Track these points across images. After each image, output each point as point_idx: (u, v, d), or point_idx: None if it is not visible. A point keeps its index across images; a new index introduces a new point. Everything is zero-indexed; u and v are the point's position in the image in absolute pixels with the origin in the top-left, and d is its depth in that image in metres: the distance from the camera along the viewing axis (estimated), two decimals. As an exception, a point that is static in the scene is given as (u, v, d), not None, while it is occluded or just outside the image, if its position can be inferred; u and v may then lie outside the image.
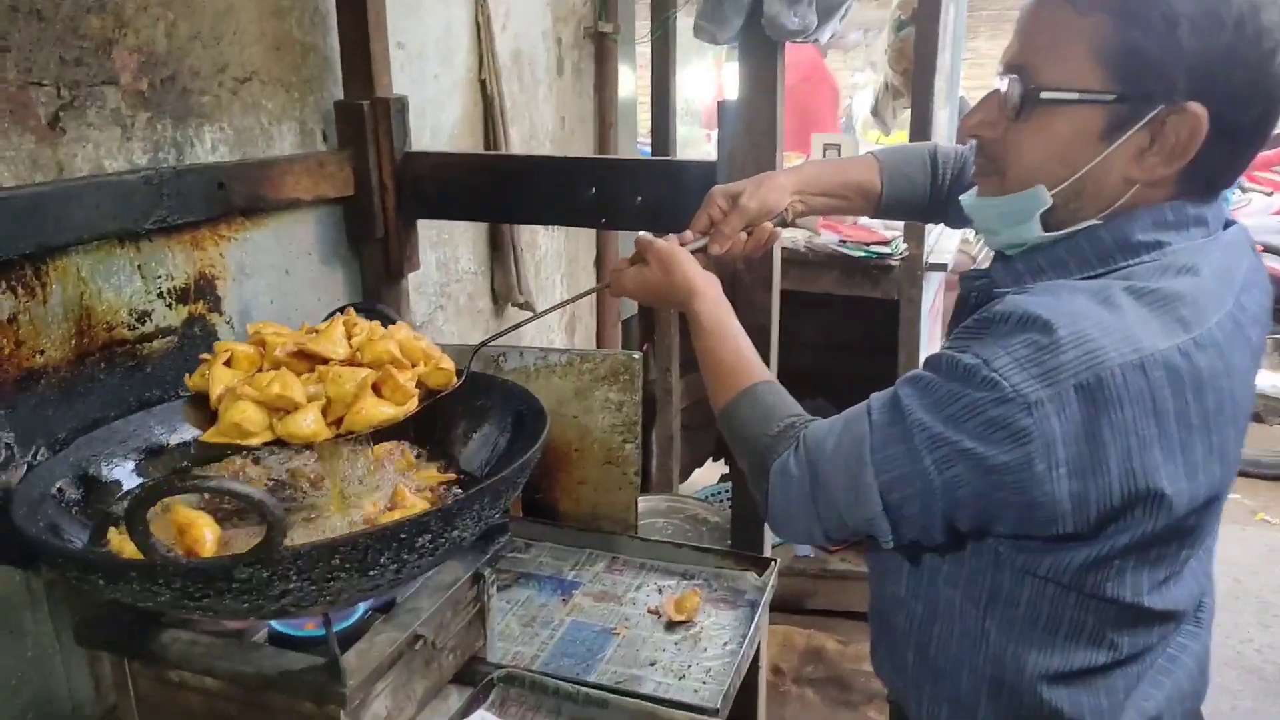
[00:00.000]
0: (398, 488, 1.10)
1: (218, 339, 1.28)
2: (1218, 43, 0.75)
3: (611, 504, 1.55)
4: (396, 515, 1.00)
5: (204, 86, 1.25)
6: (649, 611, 1.36)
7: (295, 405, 0.95)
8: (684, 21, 2.54)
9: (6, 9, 0.99)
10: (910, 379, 0.85)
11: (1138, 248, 0.83)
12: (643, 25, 2.65)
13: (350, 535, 0.82)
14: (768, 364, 1.46)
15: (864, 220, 2.87)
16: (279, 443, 0.95)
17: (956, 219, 1.20)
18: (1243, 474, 3.48)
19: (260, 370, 1.01)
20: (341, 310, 1.15)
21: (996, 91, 0.88)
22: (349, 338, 1.06)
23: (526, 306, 2.03)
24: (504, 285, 2.00)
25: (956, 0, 2.75)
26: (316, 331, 1.06)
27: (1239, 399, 0.83)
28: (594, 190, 1.46)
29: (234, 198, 1.26)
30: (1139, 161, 0.82)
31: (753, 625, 1.31)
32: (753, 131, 1.34)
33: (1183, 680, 0.92)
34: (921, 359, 2.65)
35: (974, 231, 1.04)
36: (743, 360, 1.04)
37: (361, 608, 1.07)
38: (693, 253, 1.14)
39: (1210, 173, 0.83)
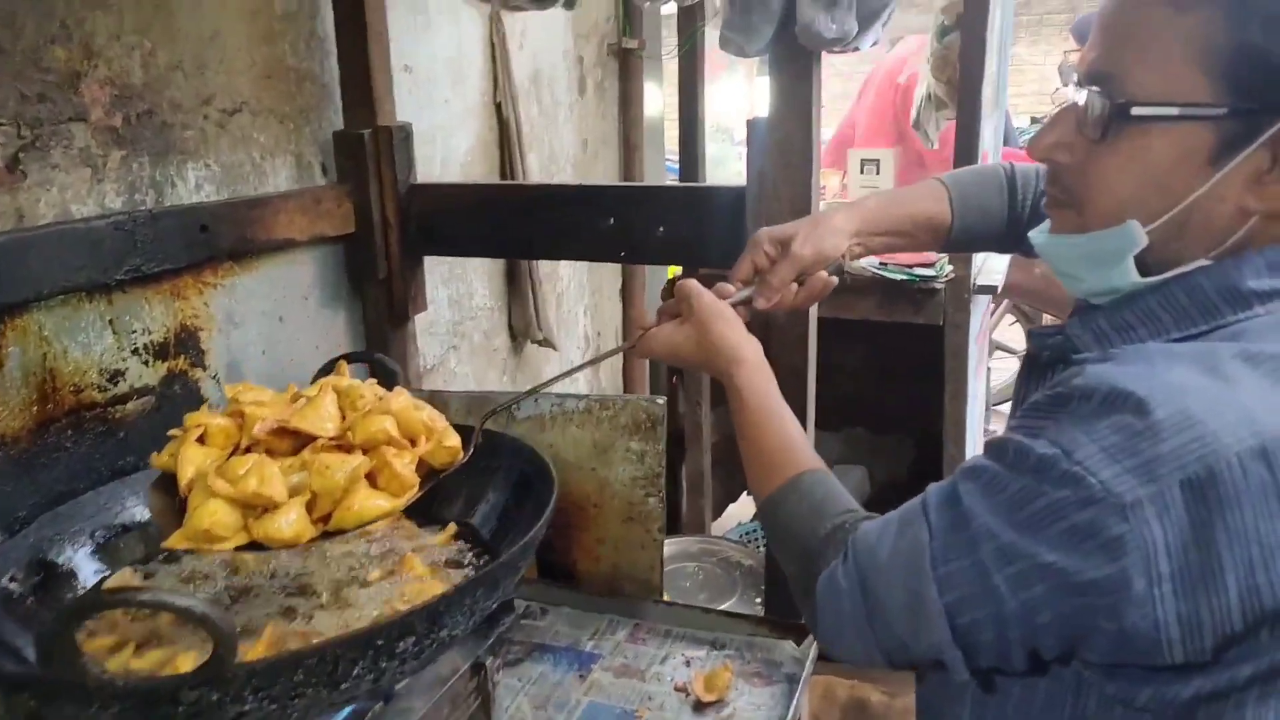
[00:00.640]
0: (406, 557, 0.99)
1: (202, 396, 1.17)
2: None
3: (634, 564, 1.42)
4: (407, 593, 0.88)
5: (186, 120, 1.15)
6: (675, 689, 1.23)
7: (274, 504, 0.83)
8: (712, 35, 2.42)
9: (-47, 43, 0.90)
10: (972, 471, 0.71)
11: (1249, 298, 0.68)
12: (670, 39, 2.54)
13: (315, 646, 0.70)
14: (804, 405, 1.33)
15: (906, 240, 2.72)
16: (255, 545, 0.84)
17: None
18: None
19: (238, 448, 0.90)
20: (330, 367, 1.04)
21: (1073, 106, 0.73)
22: (344, 406, 0.95)
23: (546, 343, 1.91)
24: (522, 321, 1.89)
25: (1003, 4, 2.60)
26: (305, 399, 0.95)
27: None
28: (612, 220, 1.34)
29: (219, 240, 1.15)
30: (1258, 188, 0.68)
31: (792, 706, 1.17)
32: (786, 152, 1.21)
33: None
34: (970, 388, 2.48)
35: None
36: (789, 444, 0.91)
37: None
38: (734, 307, 1.02)
39: None
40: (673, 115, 2.54)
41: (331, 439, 0.89)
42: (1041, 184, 1.05)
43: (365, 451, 0.89)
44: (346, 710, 0.94)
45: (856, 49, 1.16)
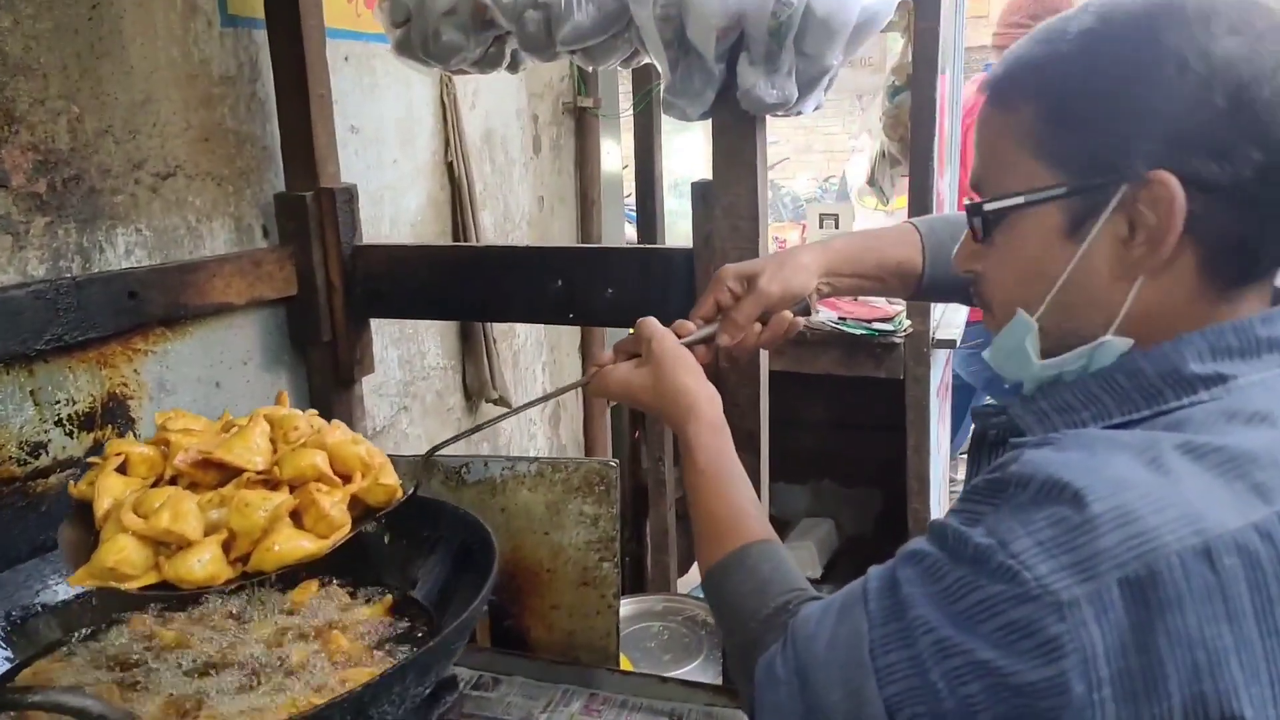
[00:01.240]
0: (333, 635, 0.94)
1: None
2: (1158, 92, 0.63)
3: (589, 630, 1.38)
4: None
5: (116, 185, 1.13)
6: (630, 766, 1.18)
7: (187, 542, 0.78)
8: (668, 94, 2.45)
9: None
10: (912, 555, 0.67)
11: (1193, 382, 0.66)
12: (627, 97, 2.56)
13: (221, 749, 0.66)
14: (758, 468, 1.30)
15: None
16: (166, 585, 0.79)
17: None
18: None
19: (161, 478, 0.86)
20: None
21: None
22: (276, 438, 0.91)
23: (501, 402, 1.88)
24: (476, 381, 1.86)
25: (953, 63, 2.66)
26: (238, 428, 0.90)
27: None
28: (560, 282, 1.32)
29: (149, 307, 1.12)
30: (1124, 255, 0.67)
31: (750, 781, 1.13)
32: (732, 215, 1.20)
33: None
34: (932, 439, 2.48)
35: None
36: (738, 512, 0.87)
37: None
38: (693, 345, 0.99)
39: (1240, 253, 0.66)
40: (634, 171, 2.55)
41: (259, 473, 0.85)
42: None
43: (293, 488, 0.85)
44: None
45: (799, 113, 1.16)
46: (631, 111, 2.41)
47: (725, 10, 1.03)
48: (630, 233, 2.87)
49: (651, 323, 0.98)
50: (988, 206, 0.72)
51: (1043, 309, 0.72)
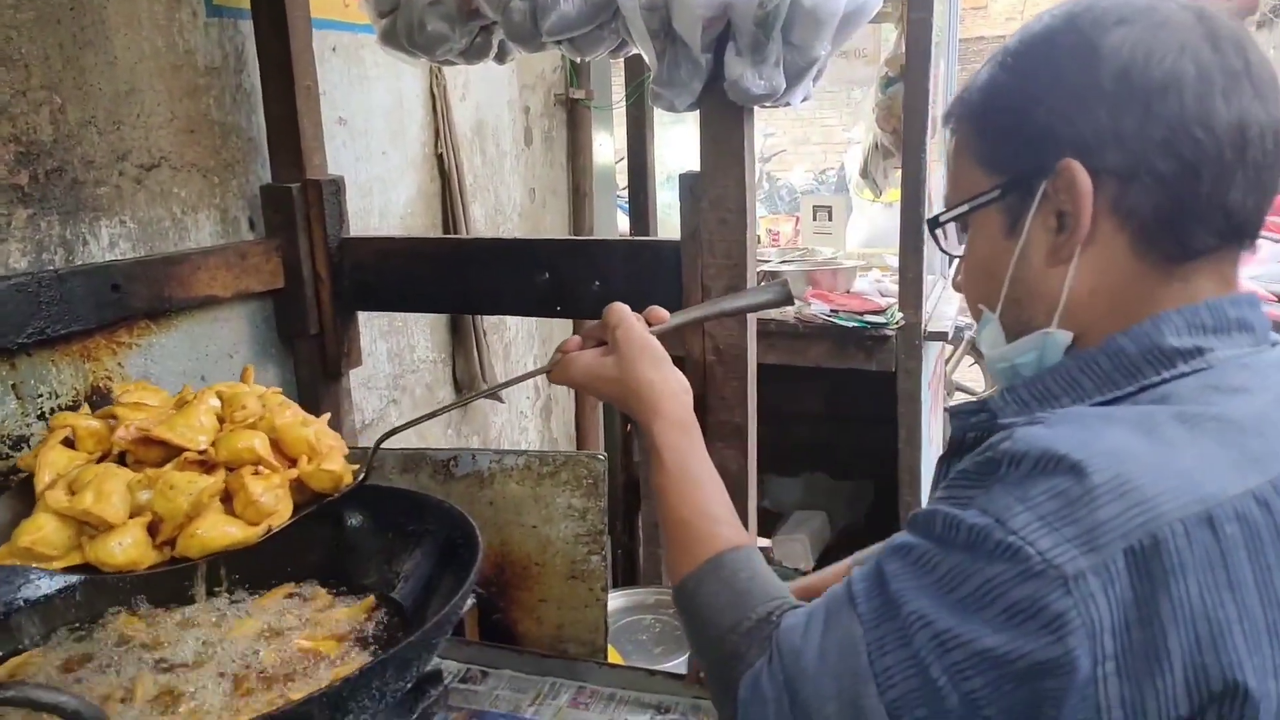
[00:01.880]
0: (313, 634, 0.93)
1: (113, 461, 1.12)
2: (1056, 88, 0.69)
3: (577, 624, 1.38)
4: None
5: (100, 177, 1.12)
6: (617, 759, 1.18)
7: (108, 525, 0.76)
8: (661, 85, 2.43)
9: None
10: (898, 549, 0.65)
11: (1173, 356, 0.66)
12: (620, 88, 2.55)
13: (197, 745, 0.65)
14: (745, 468, 1.30)
15: (857, 286, 2.73)
16: (88, 568, 0.77)
17: None
18: None
19: (109, 454, 0.83)
20: None
21: None
22: (226, 415, 0.88)
23: (493, 396, 1.87)
24: (467, 373, 1.85)
25: (946, 55, 2.65)
26: (187, 404, 0.88)
27: None
28: (548, 275, 1.32)
29: (132, 300, 1.11)
30: (1054, 244, 0.71)
31: (737, 774, 1.13)
32: (719, 207, 1.20)
33: None
34: (924, 432, 2.48)
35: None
36: (710, 518, 0.81)
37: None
38: (666, 336, 0.93)
39: (1168, 225, 0.68)
40: (626, 163, 2.54)
41: (200, 453, 0.82)
42: None
43: (230, 470, 0.82)
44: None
45: (788, 104, 1.15)
46: (624, 103, 2.40)
47: (711, 0, 1.02)
48: (624, 225, 2.87)
49: (619, 308, 0.92)
50: (943, 217, 0.79)
51: (1000, 306, 0.76)
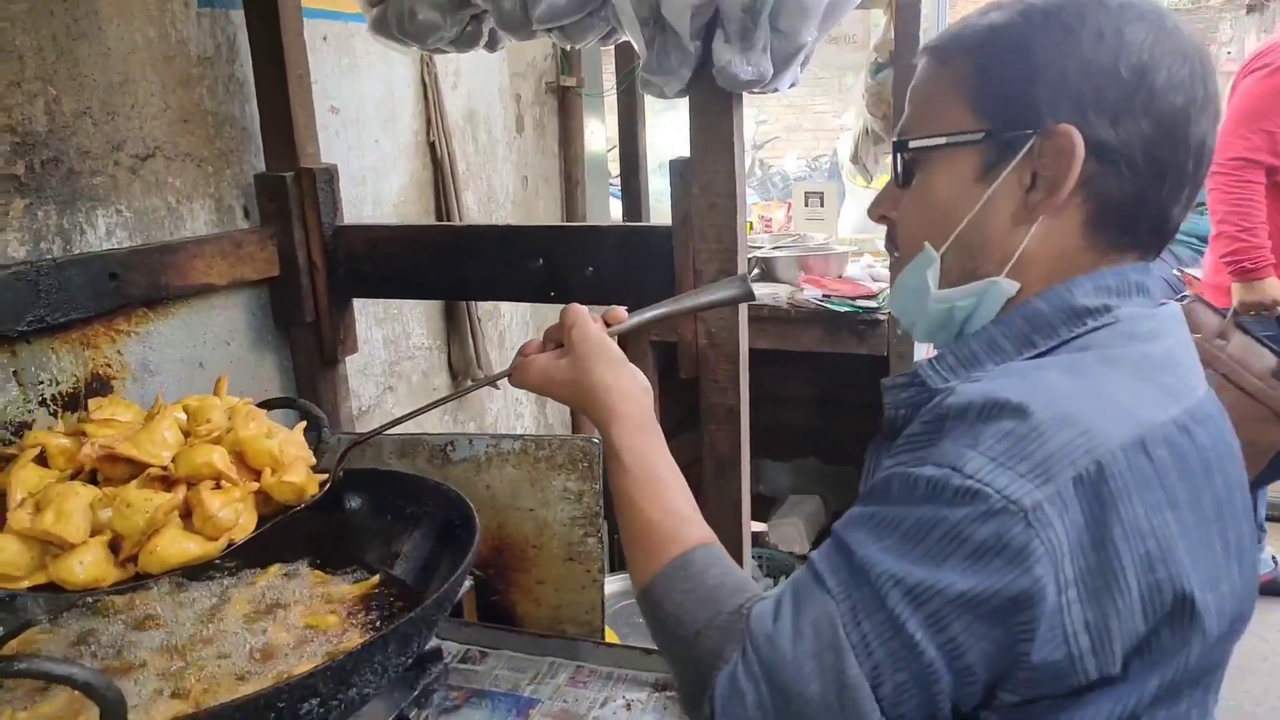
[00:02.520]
0: (314, 612, 0.95)
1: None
2: (1075, 58, 0.70)
3: (575, 605, 1.40)
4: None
5: (96, 167, 1.13)
6: (614, 735, 1.20)
7: (68, 544, 0.77)
8: (652, 73, 2.43)
9: None
10: (855, 519, 0.66)
11: (1083, 313, 0.72)
12: (611, 76, 2.56)
13: (201, 714, 0.67)
14: (738, 450, 1.32)
15: (849, 272, 2.74)
16: (53, 586, 0.78)
17: None
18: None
19: (81, 471, 0.84)
20: (270, 405, 1.00)
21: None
22: (191, 428, 0.89)
23: (470, 390, 1.89)
24: (462, 360, 1.87)
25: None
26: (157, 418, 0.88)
27: (1244, 491, 0.70)
28: (541, 261, 1.33)
29: (130, 288, 1.13)
30: (1024, 201, 0.73)
31: (731, 749, 1.15)
32: (709, 193, 1.21)
33: None
34: (916, 415, 2.50)
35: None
36: (674, 517, 0.78)
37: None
38: (625, 336, 0.90)
39: (1121, 214, 0.73)
40: (619, 150, 2.55)
41: (164, 469, 0.83)
42: None
43: (190, 485, 0.83)
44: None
45: (776, 89, 1.17)
46: (615, 90, 2.41)
47: (699, -13, 1.04)
48: (616, 213, 2.88)
49: (575, 309, 0.89)
50: (914, 143, 0.77)
51: (946, 245, 0.76)
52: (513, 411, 2.18)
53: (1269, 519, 3.16)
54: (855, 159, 2.76)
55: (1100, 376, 0.66)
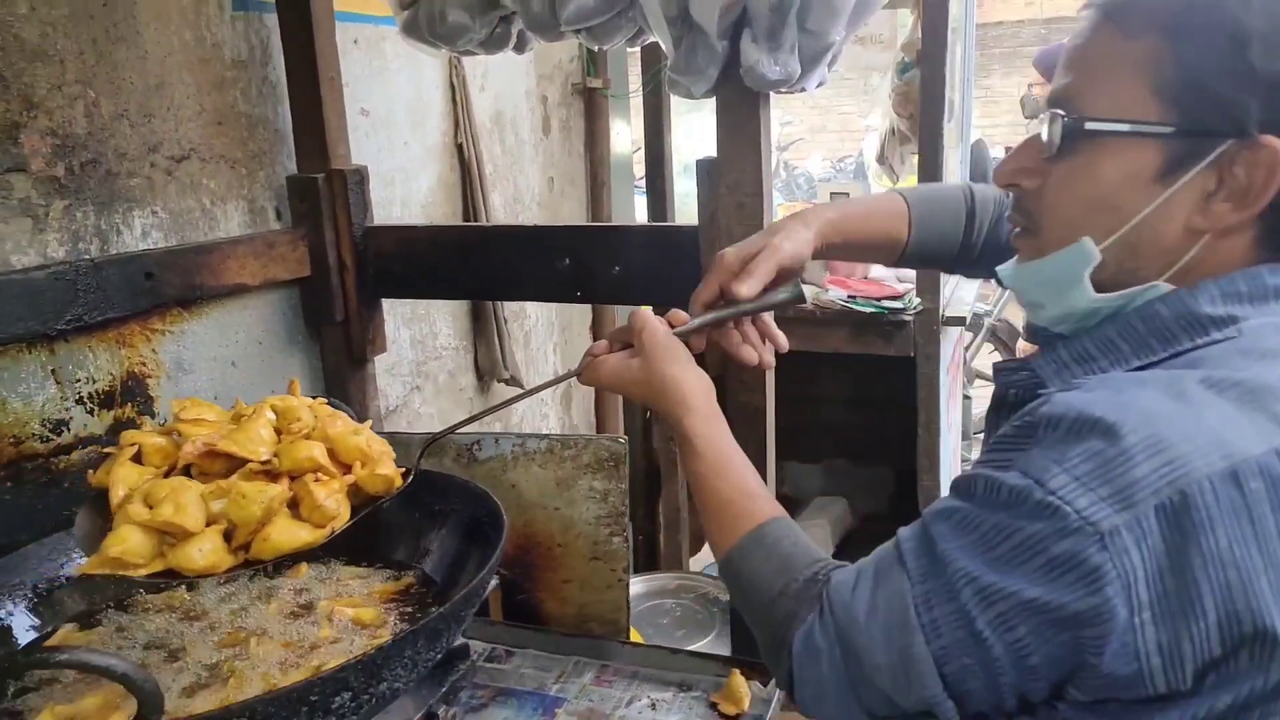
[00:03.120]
0: (349, 608, 0.96)
1: (149, 444, 1.15)
2: None
3: (600, 604, 1.40)
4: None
5: (132, 169, 1.15)
6: (640, 734, 1.20)
7: (188, 533, 0.81)
8: (678, 74, 2.44)
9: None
10: (942, 512, 0.69)
11: (1205, 323, 0.68)
12: (637, 77, 2.56)
13: (235, 706, 0.68)
14: (764, 444, 1.32)
15: (875, 272, 2.73)
16: (171, 573, 0.82)
17: (982, 272, 1.07)
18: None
19: (174, 467, 0.88)
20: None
21: (1036, 136, 0.74)
22: (281, 427, 0.93)
23: (513, 381, 1.90)
24: (488, 361, 1.88)
25: (964, 39, 2.64)
26: (246, 418, 0.92)
27: None
28: (568, 261, 1.34)
29: (165, 288, 1.14)
30: (1205, 208, 0.68)
31: (758, 749, 1.15)
32: (737, 192, 1.21)
33: None
34: (943, 418, 2.48)
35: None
36: (747, 494, 0.86)
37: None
38: (687, 335, 0.96)
39: None
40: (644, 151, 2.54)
41: (262, 464, 0.87)
42: (998, 211, 1.06)
43: (293, 478, 0.87)
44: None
45: (803, 89, 1.16)
46: (641, 92, 2.41)
47: (727, -13, 1.04)
48: (642, 214, 2.88)
49: (644, 313, 0.96)
50: (1090, 125, 0.69)
51: (1109, 242, 0.71)
52: (538, 412, 2.19)
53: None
54: (881, 159, 2.74)
55: (1201, 401, 0.63)
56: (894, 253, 1.08)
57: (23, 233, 1.03)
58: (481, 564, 0.94)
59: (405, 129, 1.68)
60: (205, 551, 0.80)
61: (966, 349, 3.85)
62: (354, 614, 0.94)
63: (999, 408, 0.81)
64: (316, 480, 0.88)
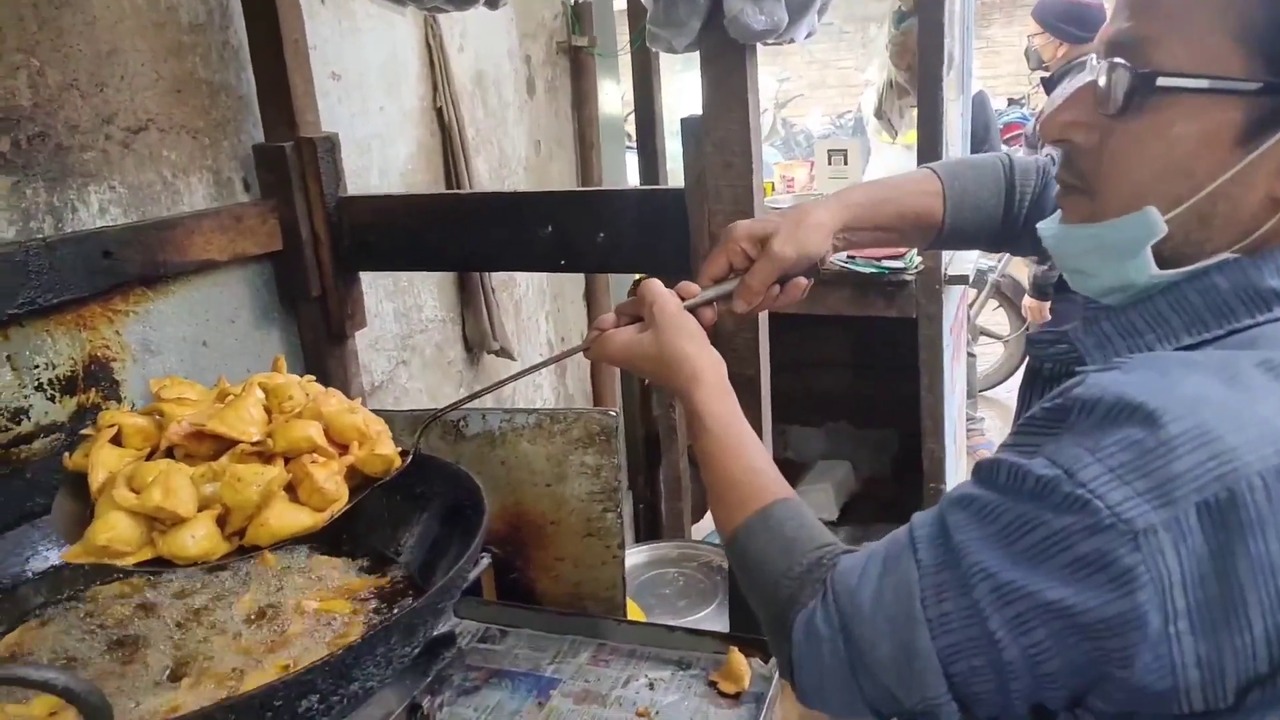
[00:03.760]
0: (319, 600, 0.92)
1: (116, 431, 1.11)
2: None
3: (595, 582, 1.36)
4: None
5: (85, 141, 1.09)
6: (637, 715, 1.17)
7: (180, 519, 0.77)
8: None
9: None
10: (961, 499, 0.64)
11: (1269, 298, 0.62)
12: (626, 35, 2.47)
13: (190, 716, 0.64)
14: (759, 413, 1.27)
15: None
16: (161, 561, 0.78)
17: (1029, 248, 1.00)
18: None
19: (156, 449, 0.84)
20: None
21: (1091, 84, 0.66)
22: (271, 406, 0.88)
23: (504, 353, 1.85)
24: (476, 332, 1.82)
25: (963, -14, 2.55)
26: (233, 397, 0.88)
27: None
28: (550, 228, 1.28)
29: (126, 266, 1.09)
30: None
31: (759, 727, 1.12)
32: (724, 151, 1.15)
33: None
34: (947, 378, 2.43)
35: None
36: (754, 472, 0.83)
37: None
38: (697, 308, 0.93)
39: None
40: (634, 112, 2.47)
41: (253, 445, 0.83)
42: (1041, 180, 0.99)
43: (288, 460, 0.83)
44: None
45: (791, 40, 1.10)
46: (630, 49, 2.33)
47: (708, -71, 0.97)
48: (635, 177, 2.81)
49: (653, 285, 0.92)
50: (1164, 81, 0.62)
51: (1177, 212, 0.64)
52: (532, 383, 2.14)
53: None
54: (879, 113, 2.67)
55: (1257, 386, 0.56)
56: (929, 233, 1.01)
57: (-33, 213, 0.97)
58: (462, 551, 0.90)
59: (380, 93, 1.61)
60: (198, 538, 0.76)
61: (970, 306, 3.79)
62: (329, 604, 0.89)
63: (1032, 381, 0.76)
64: (314, 461, 0.83)
